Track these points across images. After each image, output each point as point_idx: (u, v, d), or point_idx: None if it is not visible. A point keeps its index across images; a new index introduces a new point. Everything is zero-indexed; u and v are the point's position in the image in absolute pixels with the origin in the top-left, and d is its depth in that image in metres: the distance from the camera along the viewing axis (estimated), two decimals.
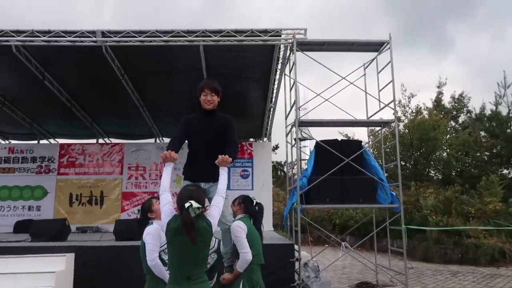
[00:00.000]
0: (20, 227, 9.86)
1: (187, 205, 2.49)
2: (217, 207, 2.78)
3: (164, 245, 3.21)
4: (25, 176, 11.22)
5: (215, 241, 3.80)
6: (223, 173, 3.05)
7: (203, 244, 2.61)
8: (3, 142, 12.27)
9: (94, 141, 12.12)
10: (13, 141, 12.31)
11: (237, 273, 3.39)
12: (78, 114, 10.59)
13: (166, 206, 2.70)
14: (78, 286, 5.90)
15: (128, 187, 11.25)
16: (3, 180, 11.20)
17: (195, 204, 2.49)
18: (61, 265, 5.78)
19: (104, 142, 12.27)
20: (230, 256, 3.55)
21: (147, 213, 3.28)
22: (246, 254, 3.35)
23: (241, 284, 3.38)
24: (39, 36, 7.13)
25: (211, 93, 3.48)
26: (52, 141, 12.50)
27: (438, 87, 19.46)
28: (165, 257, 3.15)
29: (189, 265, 2.55)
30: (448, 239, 10.95)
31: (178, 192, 2.73)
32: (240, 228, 3.42)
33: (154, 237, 3.11)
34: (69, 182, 11.25)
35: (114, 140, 12.41)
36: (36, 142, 12.07)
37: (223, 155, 3.06)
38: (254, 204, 3.76)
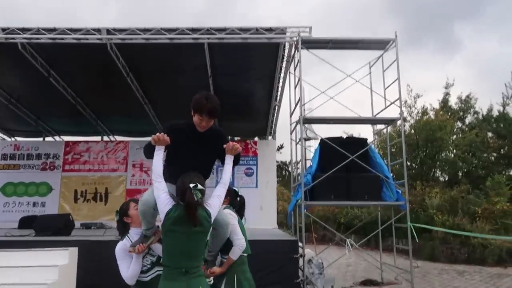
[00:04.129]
0: (25, 223, 9.92)
1: (191, 185, 2.42)
2: (218, 199, 2.67)
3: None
4: (30, 173, 11.29)
5: None
6: (228, 162, 2.86)
7: (202, 234, 2.54)
8: (8, 139, 12.34)
9: (99, 138, 12.18)
10: (18, 138, 12.37)
11: (230, 261, 3.23)
12: (83, 112, 10.63)
13: (164, 195, 2.57)
14: (82, 280, 5.91)
15: (133, 184, 11.27)
16: (9, 176, 11.27)
17: (199, 186, 2.44)
18: (64, 259, 5.81)
19: (108, 139, 12.32)
20: (215, 253, 3.26)
21: (123, 217, 3.05)
22: (240, 240, 3.23)
23: (234, 277, 3.20)
24: (45, 34, 7.17)
25: (209, 119, 2.91)
26: (57, 138, 12.56)
27: (446, 87, 19.30)
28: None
29: (186, 258, 2.46)
30: (455, 239, 10.84)
31: (178, 181, 2.63)
32: (232, 216, 3.31)
33: (119, 254, 2.91)
34: (74, 179, 11.30)
35: (118, 138, 12.44)
36: (41, 139, 12.15)
37: (231, 142, 2.87)
38: (238, 197, 3.62)
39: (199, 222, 2.42)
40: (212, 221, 2.59)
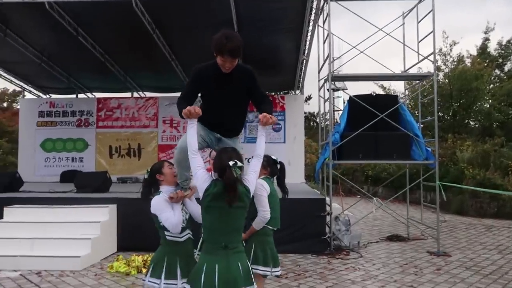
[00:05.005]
0: (66, 177, 10.58)
1: (231, 163, 2.39)
2: (254, 173, 2.64)
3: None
4: (67, 129, 11.79)
5: None
6: (262, 133, 2.72)
7: (242, 210, 2.53)
8: (44, 96, 12.77)
9: (129, 94, 12.42)
10: (53, 96, 12.79)
11: (252, 230, 3.30)
12: (112, 69, 10.78)
13: (201, 171, 2.53)
14: (121, 235, 6.34)
15: (164, 140, 11.62)
16: (47, 133, 11.83)
17: (238, 163, 2.40)
18: (105, 215, 6.21)
19: (138, 96, 12.54)
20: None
21: (156, 174, 3.01)
22: (265, 212, 3.25)
23: (253, 245, 3.27)
24: None
25: (231, 60, 2.79)
26: (89, 95, 12.89)
27: (485, 32, 18.16)
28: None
29: (226, 233, 2.46)
30: (485, 192, 10.72)
31: (215, 156, 2.61)
32: (262, 187, 3.28)
33: (160, 206, 2.87)
34: (108, 135, 11.73)
35: (148, 94, 12.65)
36: (74, 96, 12.50)
37: (266, 114, 2.64)
38: (277, 164, 3.57)
39: (237, 200, 2.43)
40: (251, 197, 2.60)
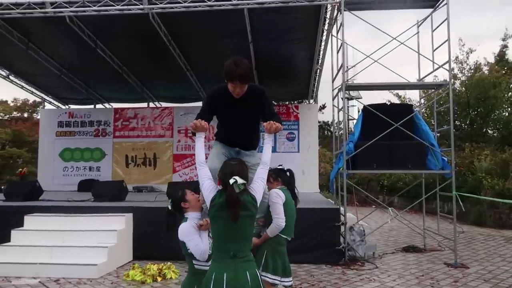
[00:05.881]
0: (83, 185, 10.77)
1: (231, 181, 2.43)
2: (261, 181, 2.67)
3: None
4: (85, 139, 12.08)
5: None
6: (269, 141, 2.74)
7: (249, 219, 2.55)
8: (63, 107, 13.10)
9: (145, 105, 12.64)
10: (72, 106, 13.11)
11: (266, 237, 3.34)
12: (129, 80, 11.01)
13: (207, 181, 2.59)
14: (136, 243, 6.42)
15: (179, 150, 11.75)
16: (66, 142, 12.13)
17: (239, 180, 2.44)
18: (121, 224, 6.31)
19: (154, 106, 12.75)
20: (262, 220, 3.41)
21: (181, 203, 2.97)
22: (280, 220, 3.29)
23: (264, 253, 3.30)
24: (90, 6, 7.37)
25: (241, 85, 2.91)
26: (107, 105, 13.16)
27: (503, 39, 17.88)
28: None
29: (234, 242, 2.46)
30: (504, 203, 10.49)
31: (220, 168, 2.67)
32: (277, 195, 3.35)
33: (188, 232, 2.84)
34: (124, 144, 11.96)
35: (164, 104, 12.85)
36: (92, 106, 12.79)
37: (271, 121, 2.72)
38: (286, 172, 3.62)
39: (239, 214, 2.44)
40: (258, 205, 2.61)
